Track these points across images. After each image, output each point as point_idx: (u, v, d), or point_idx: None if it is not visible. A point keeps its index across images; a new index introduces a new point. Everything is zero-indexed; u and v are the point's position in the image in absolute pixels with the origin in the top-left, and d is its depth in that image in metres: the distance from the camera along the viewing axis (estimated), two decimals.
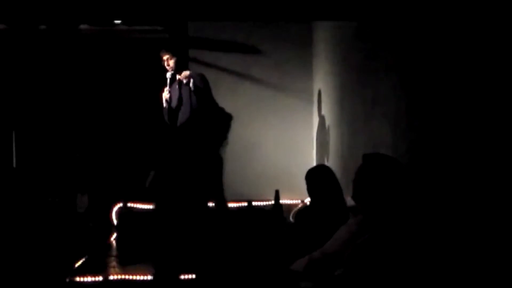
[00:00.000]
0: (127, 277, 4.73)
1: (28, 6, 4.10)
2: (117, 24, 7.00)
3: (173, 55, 5.45)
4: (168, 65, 5.44)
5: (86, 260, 5.08)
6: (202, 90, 5.42)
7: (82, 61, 7.15)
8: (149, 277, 4.74)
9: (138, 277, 4.73)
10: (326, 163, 6.32)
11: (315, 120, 6.85)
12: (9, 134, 6.92)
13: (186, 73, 5.43)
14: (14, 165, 6.88)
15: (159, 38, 7.05)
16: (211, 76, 6.76)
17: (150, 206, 6.29)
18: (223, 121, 5.90)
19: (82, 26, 6.97)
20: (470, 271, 2.70)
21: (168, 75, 5.45)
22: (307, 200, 6.61)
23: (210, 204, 5.62)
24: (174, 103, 5.49)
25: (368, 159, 2.87)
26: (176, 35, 6.95)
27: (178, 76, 5.49)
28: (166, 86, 5.46)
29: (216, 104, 5.64)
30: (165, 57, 5.44)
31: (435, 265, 2.84)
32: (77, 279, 4.65)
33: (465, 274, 2.74)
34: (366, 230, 2.72)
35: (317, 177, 4.27)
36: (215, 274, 3.99)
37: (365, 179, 2.82)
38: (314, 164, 6.75)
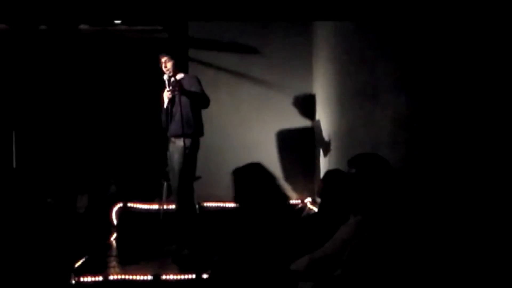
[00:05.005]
0: (127, 277, 4.74)
1: (28, 6, 4.10)
2: (117, 24, 7.00)
3: (171, 57, 5.46)
4: (166, 67, 5.45)
5: (86, 260, 5.08)
6: (193, 94, 5.40)
7: (82, 61, 7.15)
8: (149, 277, 4.74)
9: (138, 277, 4.73)
10: (326, 163, 6.32)
11: (315, 120, 6.85)
12: (9, 134, 6.92)
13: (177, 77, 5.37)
14: (14, 165, 6.87)
15: (159, 38, 7.05)
16: (211, 76, 6.78)
17: (150, 206, 6.30)
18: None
19: (82, 26, 6.97)
20: (468, 271, 2.70)
21: (165, 77, 5.45)
22: (307, 200, 6.62)
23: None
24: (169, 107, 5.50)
25: (354, 162, 2.90)
26: (176, 35, 6.95)
27: (172, 78, 5.49)
28: (166, 87, 5.46)
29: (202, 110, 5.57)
30: (163, 60, 5.46)
31: (433, 265, 2.84)
32: (77, 279, 4.66)
33: (463, 274, 2.74)
34: (365, 230, 2.72)
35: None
36: (216, 274, 3.99)
37: (355, 181, 2.85)
38: (315, 164, 6.75)
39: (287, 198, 4.03)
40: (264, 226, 3.60)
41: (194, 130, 5.41)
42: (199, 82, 5.51)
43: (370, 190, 2.79)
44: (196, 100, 5.41)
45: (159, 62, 5.49)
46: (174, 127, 5.41)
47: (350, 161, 2.94)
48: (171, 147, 5.46)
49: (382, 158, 2.93)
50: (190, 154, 5.38)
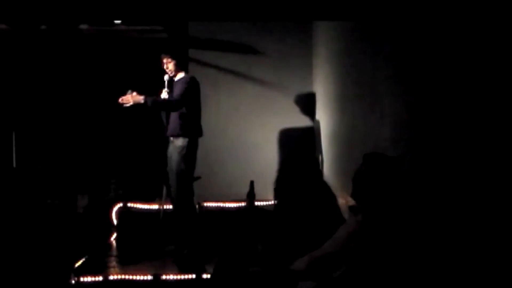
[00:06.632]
0: (127, 277, 4.74)
1: (28, 6, 4.10)
2: (117, 24, 7.00)
3: (172, 58, 5.46)
4: (167, 67, 5.47)
5: (86, 260, 5.09)
6: (157, 105, 5.42)
7: (82, 61, 7.15)
8: (149, 277, 4.74)
9: (138, 277, 4.73)
10: (325, 163, 6.33)
11: (315, 120, 6.86)
12: (9, 134, 6.93)
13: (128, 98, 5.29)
14: (14, 165, 6.88)
15: (159, 38, 7.06)
16: (211, 76, 6.79)
17: (150, 206, 6.30)
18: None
19: (82, 26, 6.98)
20: (470, 272, 2.70)
21: (166, 77, 5.46)
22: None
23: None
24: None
25: (368, 159, 2.88)
26: (176, 35, 6.96)
27: (174, 79, 5.51)
28: (164, 87, 5.47)
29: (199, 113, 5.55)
30: (164, 60, 5.47)
31: (435, 265, 2.84)
32: (77, 279, 4.66)
33: (465, 275, 2.74)
34: (365, 230, 2.72)
35: None
36: (216, 274, 3.99)
37: (364, 178, 2.83)
38: (315, 164, 6.75)
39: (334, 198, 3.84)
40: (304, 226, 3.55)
41: (190, 130, 5.40)
42: (186, 83, 5.41)
43: (374, 190, 2.78)
44: (162, 109, 5.47)
45: (161, 62, 5.50)
46: (171, 127, 5.43)
47: (364, 157, 2.91)
48: (170, 147, 5.47)
49: (390, 157, 2.92)
50: (187, 154, 5.36)
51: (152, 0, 4.11)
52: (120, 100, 5.30)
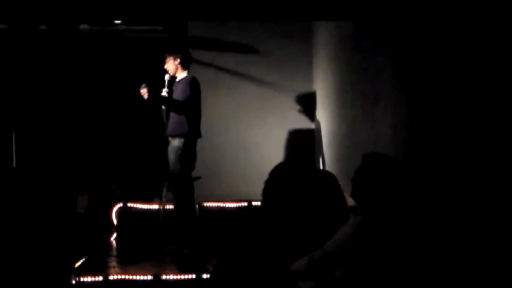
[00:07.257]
0: (127, 277, 4.74)
1: (28, 6, 4.10)
2: (117, 24, 7.00)
3: (177, 57, 5.49)
4: (170, 66, 5.49)
5: (86, 260, 5.09)
6: (163, 101, 5.47)
7: (82, 61, 7.15)
8: (149, 277, 4.74)
9: (138, 277, 4.73)
10: (325, 163, 6.32)
11: (315, 120, 6.85)
12: (9, 134, 6.92)
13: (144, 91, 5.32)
14: (14, 165, 6.88)
15: (159, 38, 7.05)
16: (211, 76, 6.78)
17: (150, 206, 6.29)
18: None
19: (82, 26, 6.97)
20: (469, 272, 2.70)
21: (167, 77, 5.48)
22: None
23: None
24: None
25: (368, 159, 2.88)
26: (176, 35, 6.95)
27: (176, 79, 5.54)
28: (164, 87, 5.48)
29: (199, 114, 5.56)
30: (168, 58, 5.50)
31: (434, 265, 2.84)
32: (77, 279, 4.66)
33: (464, 275, 2.74)
34: (365, 231, 2.72)
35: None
36: (215, 274, 3.99)
37: (364, 178, 2.83)
38: (315, 163, 6.75)
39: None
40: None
41: (187, 130, 5.39)
42: (190, 85, 5.44)
43: (374, 190, 2.78)
44: (167, 107, 5.48)
45: (164, 62, 5.54)
46: (170, 127, 5.45)
47: (364, 157, 2.90)
48: (169, 147, 5.49)
49: (390, 157, 2.92)
50: (183, 155, 5.36)
51: (152, 0, 4.11)
52: (141, 90, 5.29)
